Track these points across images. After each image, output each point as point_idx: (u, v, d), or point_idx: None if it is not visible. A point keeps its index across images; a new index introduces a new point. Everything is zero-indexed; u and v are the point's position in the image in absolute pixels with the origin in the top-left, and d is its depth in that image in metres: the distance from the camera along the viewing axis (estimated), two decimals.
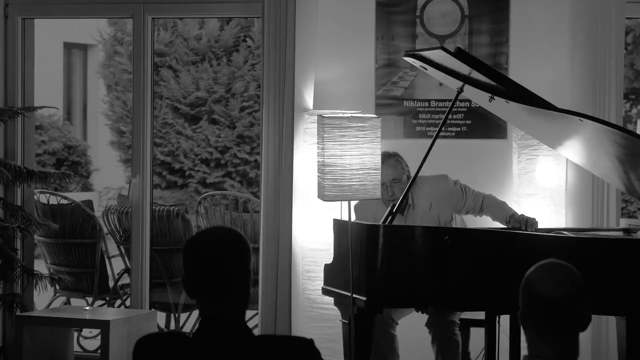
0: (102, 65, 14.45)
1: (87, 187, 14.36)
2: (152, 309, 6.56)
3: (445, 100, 5.95)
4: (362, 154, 4.60)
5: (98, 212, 8.17)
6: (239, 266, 2.68)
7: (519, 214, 5.20)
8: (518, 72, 5.79)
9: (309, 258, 5.86)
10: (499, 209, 5.26)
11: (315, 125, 4.82)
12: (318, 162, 4.66)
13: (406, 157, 5.28)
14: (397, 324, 5.20)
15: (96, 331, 6.51)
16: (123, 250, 7.36)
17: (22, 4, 6.58)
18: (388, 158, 5.26)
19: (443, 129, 5.04)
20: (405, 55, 5.20)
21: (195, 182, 13.05)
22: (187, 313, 7.38)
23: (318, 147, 4.67)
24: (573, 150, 5.01)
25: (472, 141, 5.99)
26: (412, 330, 5.45)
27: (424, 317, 5.25)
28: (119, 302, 7.43)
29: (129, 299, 6.92)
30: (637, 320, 4.41)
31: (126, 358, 5.80)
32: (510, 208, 5.30)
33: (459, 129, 6.02)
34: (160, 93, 13.00)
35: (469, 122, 6.03)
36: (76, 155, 14.26)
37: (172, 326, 7.28)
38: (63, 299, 7.49)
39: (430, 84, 5.86)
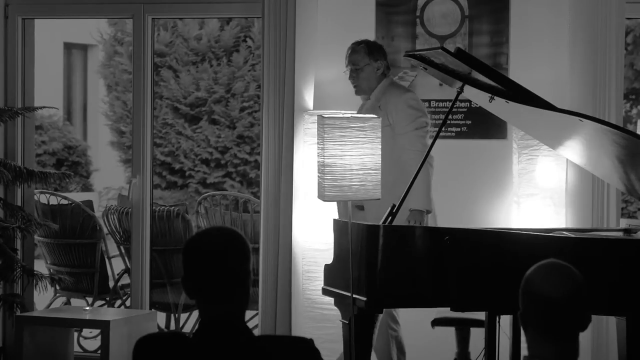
0: (102, 65, 14.45)
1: (87, 188, 14.36)
2: (152, 309, 6.56)
3: (445, 101, 5.95)
4: (362, 154, 4.59)
5: (98, 213, 8.17)
6: (239, 267, 2.68)
7: (420, 210, 5.04)
8: (518, 72, 5.79)
9: (309, 258, 5.86)
10: (413, 190, 4.68)
11: (315, 125, 4.81)
12: (318, 162, 4.65)
13: None
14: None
15: (96, 331, 6.51)
16: (123, 251, 7.36)
17: (22, 4, 6.58)
18: (357, 44, 5.45)
19: (443, 129, 5.04)
20: (406, 55, 5.20)
21: (195, 183, 13.05)
22: (187, 313, 7.38)
23: (318, 147, 4.66)
24: (573, 150, 5.00)
25: (472, 141, 5.99)
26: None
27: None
28: (119, 302, 7.43)
29: (129, 299, 6.92)
30: (637, 321, 4.41)
31: (126, 358, 5.80)
32: (425, 201, 5.04)
33: (459, 129, 6.01)
34: (160, 93, 13.00)
35: (469, 122, 6.03)
36: (76, 156, 14.25)
37: (172, 326, 7.28)
38: (63, 299, 7.49)
39: (430, 84, 5.86)
